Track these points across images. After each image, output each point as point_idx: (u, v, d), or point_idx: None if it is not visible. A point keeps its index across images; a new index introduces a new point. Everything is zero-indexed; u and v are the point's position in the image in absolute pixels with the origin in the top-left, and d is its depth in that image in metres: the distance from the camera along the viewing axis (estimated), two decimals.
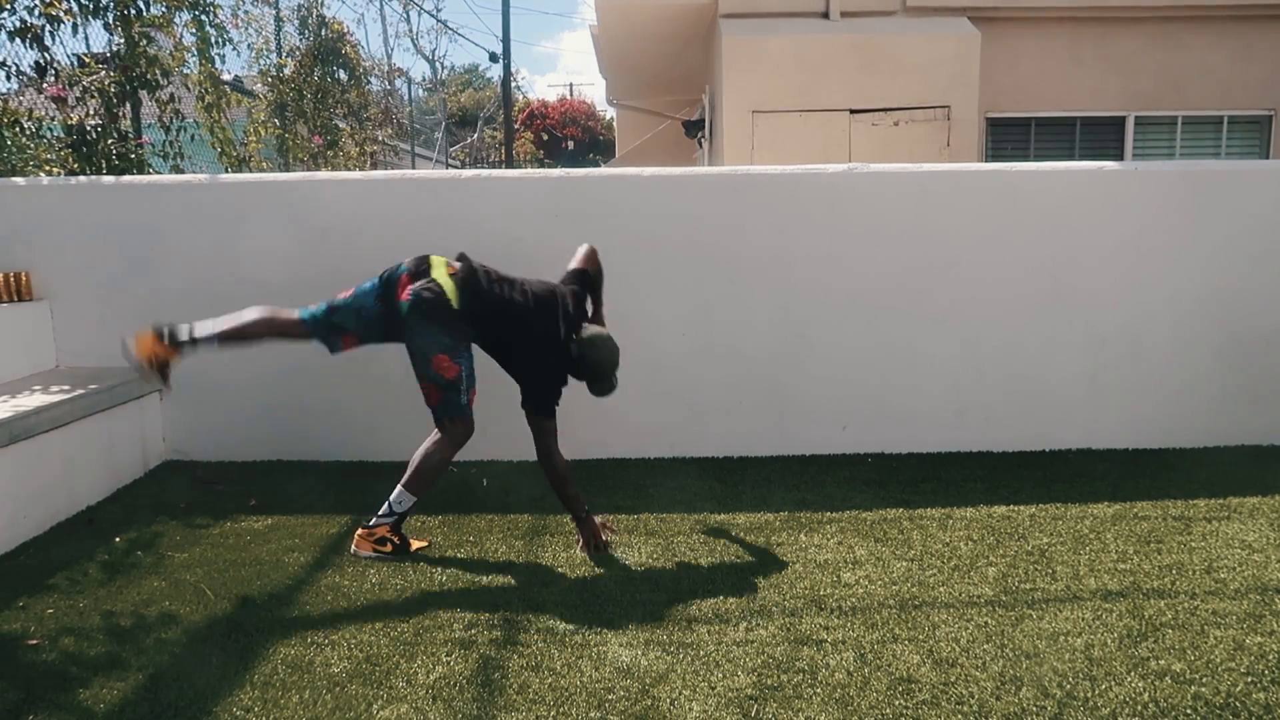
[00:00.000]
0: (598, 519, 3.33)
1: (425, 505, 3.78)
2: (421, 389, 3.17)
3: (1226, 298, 4.37)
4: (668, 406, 4.40)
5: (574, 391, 4.41)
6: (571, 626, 2.68)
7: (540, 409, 3.22)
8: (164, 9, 5.92)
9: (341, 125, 10.55)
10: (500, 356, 3.28)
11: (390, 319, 3.15)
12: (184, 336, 3.17)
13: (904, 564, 3.10)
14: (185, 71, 6.44)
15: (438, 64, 27.91)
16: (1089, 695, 2.27)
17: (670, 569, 3.09)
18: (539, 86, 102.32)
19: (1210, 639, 2.54)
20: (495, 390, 4.42)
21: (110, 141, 5.62)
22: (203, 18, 6.31)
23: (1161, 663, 2.42)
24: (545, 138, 31.08)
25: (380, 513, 3.22)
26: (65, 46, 6.67)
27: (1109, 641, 2.53)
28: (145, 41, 5.70)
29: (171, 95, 5.97)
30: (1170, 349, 4.40)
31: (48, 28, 5.35)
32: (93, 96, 5.63)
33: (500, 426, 4.44)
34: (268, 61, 9.47)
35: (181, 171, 6.04)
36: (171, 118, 6.01)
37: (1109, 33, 8.63)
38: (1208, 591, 2.85)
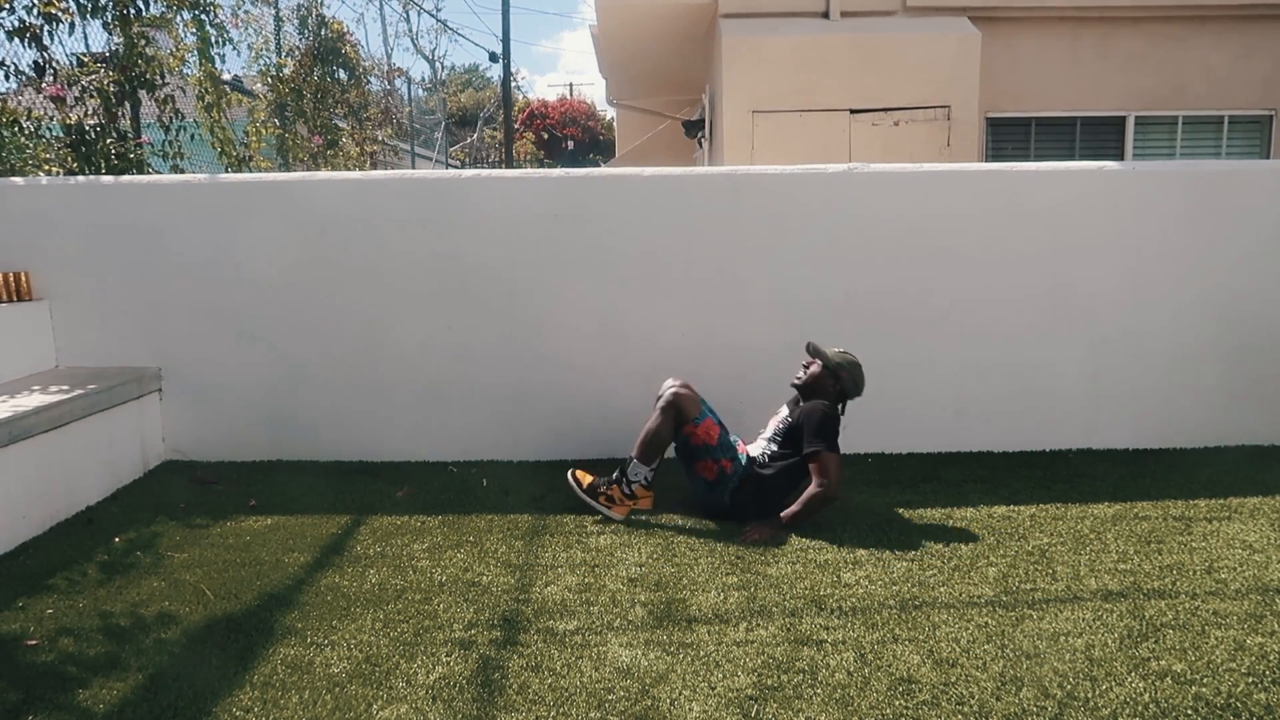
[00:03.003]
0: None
1: (427, 505, 3.79)
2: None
3: (1226, 298, 4.37)
4: None
5: (574, 392, 4.43)
6: (571, 626, 2.68)
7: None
8: (164, 9, 5.92)
9: (341, 125, 10.54)
10: None
11: None
12: None
13: (904, 564, 3.10)
14: (185, 72, 6.44)
15: (438, 64, 27.95)
16: (1089, 695, 2.27)
17: (670, 569, 3.09)
18: (539, 86, 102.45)
19: (1211, 639, 2.54)
20: (497, 391, 4.43)
21: (110, 141, 5.62)
22: (203, 18, 6.31)
23: (1162, 663, 2.42)
24: (545, 137, 31.09)
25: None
26: (64, 46, 6.68)
27: (1109, 642, 2.53)
28: (144, 42, 5.69)
29: (168, 96, 5.96)
30: (1170, 349, 4.40)
31: (46, 27, 5.35)
32: (92, 96, 5.62)
33: (501, 426, 4.45)
34: (267, 61, 9.46)
35: (181, 171, 6.04)
36: (171, 118, 6.01)
37: (1109, 33, 8.62)
38: (1208, 592, 2.85)
